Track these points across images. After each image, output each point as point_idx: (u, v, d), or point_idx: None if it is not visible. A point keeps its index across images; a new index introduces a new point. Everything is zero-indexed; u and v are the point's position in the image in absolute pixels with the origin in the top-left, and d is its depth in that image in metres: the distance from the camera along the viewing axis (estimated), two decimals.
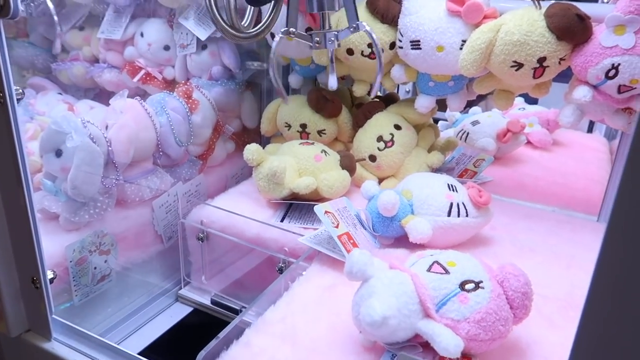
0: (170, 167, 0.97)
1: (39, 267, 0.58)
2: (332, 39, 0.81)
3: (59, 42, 1.22)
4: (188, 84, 1.02)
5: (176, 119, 0.94)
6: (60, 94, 1.23)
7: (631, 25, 0.73)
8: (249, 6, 0.83)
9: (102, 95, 1.31)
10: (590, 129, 1.54)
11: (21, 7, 0.47)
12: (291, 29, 0.78)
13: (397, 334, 0.53)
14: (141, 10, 1.15)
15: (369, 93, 1.15)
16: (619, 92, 0.78)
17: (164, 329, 0.91)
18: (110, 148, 0.82)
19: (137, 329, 0.90)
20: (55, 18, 1.19)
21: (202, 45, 1.09)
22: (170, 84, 1.15)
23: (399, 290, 0.54)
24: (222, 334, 0.57)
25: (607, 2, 1.27)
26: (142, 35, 1.13)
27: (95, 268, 0.82)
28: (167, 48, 1.12)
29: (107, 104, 0.96)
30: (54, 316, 0.63)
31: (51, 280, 0.64)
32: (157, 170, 0.93)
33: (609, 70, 0.76)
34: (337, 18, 0.93)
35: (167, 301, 0.97)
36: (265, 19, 0.81)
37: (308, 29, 0.82)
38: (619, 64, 0.75)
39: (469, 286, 0.55)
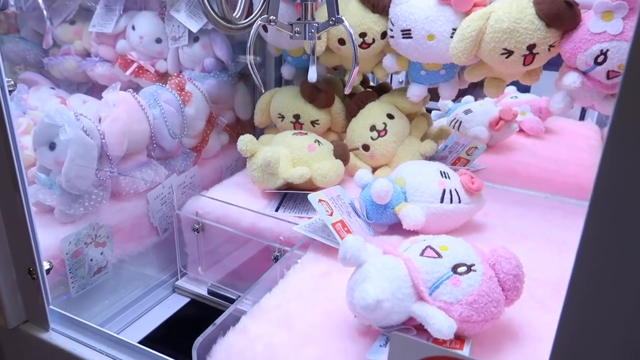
0: (164, 160, 0.98)
1: (35, 258, 0.59)
2: (312, 30, 0.82)
3: (50, 36, 1.22)
4: (181, 76, 1.02)
5: (169, 111, 0.94)
6: (53, 88, 1.23)
7: (619, 11, 0.74)
8: None
9: (95, 89, 1.31)
10: (582, 117, 1.55)
11: (11, 1, 0.47)
12: (271, 17, 0.78)
13: (391, 317, 0.54)
14: (132, 3, 1.15)
15: (361, 84, 1.16)
16: (608, 77, 0.78)
17: (162, 319, 0.91)
18: (103, 141, 0.82)
19: (135, 320, 0.91)
20: (46, 12, 1.19)
21: (194, 38, 1.09)
22: (162, 77, 1.15)
23: (393, 274, 0.54)
24: (218, 321, 0.58)
25: None
26: (133, 28, 1.13)
27: (91, 260, 0.82)
28: (159, 41, 1.12)
29: (100, 98, 0.96)
30: (51, 307, 0.63)
31: (47, 271, 0.64)
32: (151, 162, 0.93)
33: (597, 56, 0.77)
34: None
35: (164, 292, 0.98)
36: (257, 9, 0.82)
37: (299, 20, 0.83)
38: (607, 50, 0.76)
39: (461, 269, 0.55)
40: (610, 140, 0.29)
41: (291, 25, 0.81)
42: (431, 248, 0.59)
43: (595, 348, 0.34)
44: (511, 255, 0.58)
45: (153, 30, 1.11)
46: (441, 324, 0.51)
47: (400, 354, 0.38)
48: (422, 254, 0.58)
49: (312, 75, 0.85)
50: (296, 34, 0.81)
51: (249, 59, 0.82)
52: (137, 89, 1.12)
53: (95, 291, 0.85)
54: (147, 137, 0.91)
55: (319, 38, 0.84)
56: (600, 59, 0.77)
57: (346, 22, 0.79)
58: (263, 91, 0.88)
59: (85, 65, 1.21)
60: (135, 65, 1.14)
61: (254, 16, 0.81)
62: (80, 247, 0.80)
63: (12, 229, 0.59)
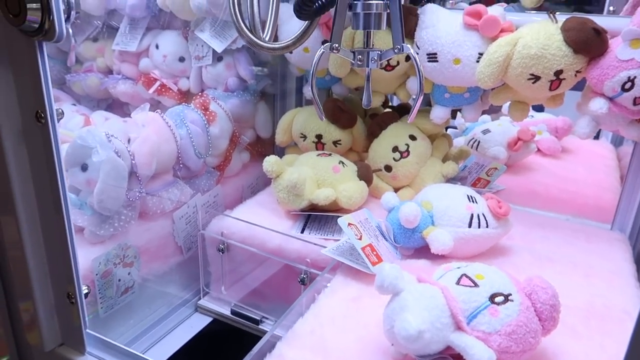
0: (189, 179, 0.99)
1: (75, 282, 0.59)
2: (375, 58, 0.80)
3: (73, 54, 1.23)
4: (205, 95, 1.04)
5: (195, 131, 0.95)
6: (74, 104, 1.24)
7: None
8: (269, 18, 0.84)
9: (115, 106, 1.32)
10: (597, 136, 1.56)
11: (67, 28, 0.49)
12: (335, 45, 0.78)
13: (430, 346, 0.54)
14: (156, 22, 1.17)
15: (383, 105, 1.16)
16: (635, 104, 0.79)
17: (186, 339, 0.92)
18: (133, 162, 0.83)
19: (159, 340, 0.91)
20: (70, 30, 1.20)
21: (217, 57, 1.10)
22: (184, 95, 1.17)
23: (431, 303, 0.55)
24: (255, 349, 0.58)
25: (613, 12, 1.29)
26: (157, 47, 1.14)
27: (119, 280, 0.83)
28: (182, 59, 1.14)
29: (122, 115, 0.97)
30: (88, 330, 0.64)
31: (86, 295, 0.65)
32: (177, 182, 0.94)
33: (625, 83, 0.77)
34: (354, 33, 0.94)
35: (187, 312, 0.98)
36: (300, 31, 0.81)
37: (324, 42, 0.83)
38: (635, 77, 0.76)
39: (498, 299, 0.56)
40: None
41: (353, 52, 0.80)
42: (467, 277, 0.59)
43: None
44: (547, 284, 0.58)
45: (176, 49, 1.13)
46: (481, 355, 0.52)
47: None
48: (458, 283, 0.58)
49: (367, 100, 0.83)
50: (358, 62, 0.80)
51: (311, 86, 0.81)
52: (157, 106, 1.14)
53: (122, 311, 0.86)
54: (175, 157, 0.92)
55: (380, 66, 0.85)
56: (627, 86, 0.77)
57: (412, 51, 0.76)
58: (323, 119, 0.87)
59: (107, 83, 1.22)
60: (158, 83, 1.15)
61: (295, 38, 0.81)
62: (109, 267, 0.80)
63: (53, 251, 0.60)
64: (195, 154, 0.95)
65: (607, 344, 0.64)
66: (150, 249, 0.90)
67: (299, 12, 0.75)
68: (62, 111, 0.55)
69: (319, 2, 0.72)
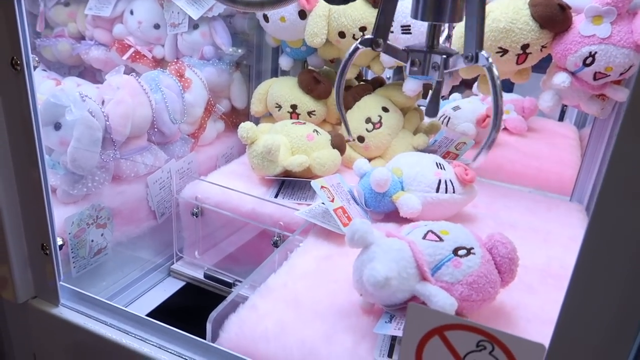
0: (163, 145, 0.99)
1: (49, 233, 0.60)
2: (438, 64, 0.55)
3: (43, 18, 1.20)
4: (180, 62, 1.03)
5: (170, 96, 0.96)
6: (45, 70, 1.22)
7: (608, 15, 0.79)
8: None
9: (87, 73, 1.30)
10: (561, 118, 1.62)
11: None
12: (379, 39, 0.55)
13: (396, 295, 0.57)
14: None
15: (357, 78, 1.18)
16: (595, 79, 0.83)
17: (158, 301, 0.93)
18: (107, 123, 0.83)
19: (131, 302, 0.92)
20: None
21: (193, 25, 1.10)
22: (159, 63, 1.16)
23: (398, 255, 0.58)
24: (229, 298, 0.60)
25: None
26: (132, 12, 1.13)
27: (92, 241, 0.83)
28: (157, 27, 1.13)
29: (94, 82, 0.96)
30: (62, 282, 0.64)
31: (60, 247, 0.65)
32: (151, 147, 0.94)
33: (586, 58, 0.81)
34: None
35: (160, 276, 0.99)
36: None
37: (362, 38, 0.57)
38: (595, 52, 0.80)
39: (461, 252, 0.59)
40: (617, 145, 0.32)
41: (407, 52, 0.55)
42: (433, 232, 0.62)
43: (592, 325, 0.37)
44: (507, 240, 0.62)
45: (152, 15, 1.12)
46: (444, 302, 0.55)
47: (418, 323, 0.41)
48: (424, 238, 0.61)
49: (433, 113, 0.61)
50: (412, 67, 0.55)
51: (337, 93, 0.62)
52: (131, 73, 1.13)
53: (94, 272, 0.86)
54: (149, 121, 0.92)
55: (442, 78, 0.57)
56: (588, 61, 0.81)
57: (490, 60, 0.54)
58: (351, 140, 0.68)
59: (79, 49, 1.20)
60: (132, 50, 1.14)
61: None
62: (82, 227, 0.80)
63: (27, 204, 0.60)
64: (170, 119, 0.95)
65: (561, 299, 0.68)
66: (123, 212, 0.90)
67: None
68: (38, 60, 0.55)
69: None
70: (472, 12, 0.51)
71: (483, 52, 0.53)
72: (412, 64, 0.56)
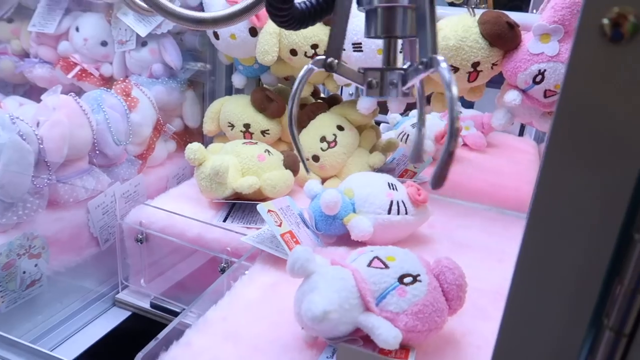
0: (107, 167, 0.94)
1: None
2: (395, 81, 0.51)
3: None
4: (127, 81, 0.99)
5: (114, 117, 0.91)
6: None
7: (555, 34, 0.79)
8: None
9: (33, 92, 1.24)
10: (521, 133, 1.63)
11: None
12: (331, 60, 0.49)
13: (338, 328, 0.54)
14: (76, 4, 1.11)
15: (312, 95, 1.16)
16: (545, 96, 0.83)
17: (101, 334, 0.87)
18: (41, 146, 0.78)
19: (71, 335, 0.86)
20: None
21: (141, 42, 1.06)
22: (108, 81, 1.12)
23: (340, 285, 0.55)
24: (161, 335, 0.56)
25: (537, 12, 1.36)
26: (77, 29, 1.08)
27: (24, 272, 0.78)
28: (104, 44, 1.09)
29: (39, 101, 0.91)
30: None
31: None
32: (93, 169, 0.89)
33: (536, 76, 0.81)
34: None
35: (104, 306, 0.93)
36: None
37: (314, 55, 0.55)
38: (544, 70, 0.80)
39: (407, 280, 0.56)
40: (547, 156, 0.31)
41: (362, 73, 0.51)
42: (378, 259, 0.59)
43: (533, 348, 0.35)
44: (454, 265, 0.59)
45: (98, 32, 1.08)
46: (387, 334, 0.52)
47: None
48: (369, 265, 0.58)
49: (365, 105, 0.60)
50: (369, 89, 0.50)
51: (290, 121, 0.52)
52: (79, 93, 1.08)
53: (28, 305, 0.80)
54: (89, 143, 0.87)
55: (404, 95, 0.51)
56: (538, 79, 0.81)
57: (445, 64, 0.45)
58: (307, 173, 0.64)
59: (23, 66, 1.15)
60: (78, 68, 1.09)
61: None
62: (12, 258, 0.75)
63: None
64: (114, 140, 0.91)
65: None
66: (61, 240, 0.85)
67: (273, 17, 0.48)
68: None
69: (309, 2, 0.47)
70: (424, 22, 0.47)
71: (437, 56, 0.46)
72: (369, 85, 0.51)
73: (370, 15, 0.46)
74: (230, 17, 0.54)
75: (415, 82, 0.48)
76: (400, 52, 0.50)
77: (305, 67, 0.51)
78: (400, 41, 0.49)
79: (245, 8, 0.54)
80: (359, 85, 0.52)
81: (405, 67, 0.49)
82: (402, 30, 0.47)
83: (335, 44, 0.49)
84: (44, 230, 0.81)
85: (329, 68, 0.49)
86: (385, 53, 0.50)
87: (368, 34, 0.48)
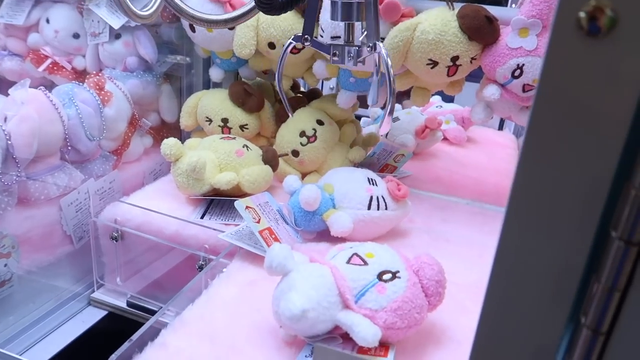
0: (80, 163, 0.91)
1: None
2: (352, 54, 0.70)
3: None
4: (100, 74, 0.97)
5: (86, 111, 0.89)
6: None
7: (533, 28, 0.78)
8: None
9: (2, 86, 1.20)
10: (501, 127, 1.64)
11: None
12: (306, 36, 0.69)
13: (317, 326, 0.53)
14: None
15: (292, 89, 1.15)
16: (524, 90, 0.83)
17: (75, 335, 0.85)
18: (9, 142, 0.75)
19: (44, 336, 0.84)
20: None
21: (115, 35, 1.03)
22: (80, 75, 1.08)
23: (319, 282, 0.54)
24: (135, 336, 0.55)
25: (516, 6, 1.36)
26: (48, 21, 1.05)
27: None
28: (76, 36, 1.05)
29: (7, 95, 0.88)
30: None
31: None
32: (65, 166, 0.86)
33: (514, 70, 0.81)
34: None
35: (78, 305, 0.91)
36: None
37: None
38: (523, 64, 0.80)
39: (386, 276, 0.56)
40: (524, 151, 0.30)
41: (330, 46, 0.70)
42: (357, 255, 0.59)
43: (511, 346, 0.35)
44: (434, 261, 0.59)
45: (70, 24, 1.04)
46: (366, 332, 0.51)
47: None
48: (348, 262, 0.58)
49: (371, 100, 0.75)
50: (334, 57, 0.70)
51: (279, 86, 0.75)
52: (51, 86, 1.05)
53: None
54: (61, 138, 0.84)
55: (355, 65, 0.72)
56: (516, 73, 0.81)
57: (383, 51, 0.68)
58: (291, 115, 0.80)
59: None
60: (49, 61, 1.06)
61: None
62: None
63: None
64: (87, 136, 0.88)
65: None
66: (32, 239, 0.82)
67: (259, 5, 0.63)
68: None
69: None
70: (370, 12, 0.67)
71: (379, 42, 0.68)
72: (334, 55, 0.72)
73: (333, 5, 0.68)
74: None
75: (364, 57, 0.71)
76: (364, 32, 0.69)
77: (286, 43, 0.72)
78: (359, 25, 0.70)
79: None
80: (327, 56, 0.72)
81: (358, 45, 0.70)
82: (357, 17, 0.68)
83: (309, 25, 0.70)
84: (14, 229, 0.78)
85: (305, 41, 0.71)
86: (346, 33, 0.71)
87: (332, 18, 0.69)
